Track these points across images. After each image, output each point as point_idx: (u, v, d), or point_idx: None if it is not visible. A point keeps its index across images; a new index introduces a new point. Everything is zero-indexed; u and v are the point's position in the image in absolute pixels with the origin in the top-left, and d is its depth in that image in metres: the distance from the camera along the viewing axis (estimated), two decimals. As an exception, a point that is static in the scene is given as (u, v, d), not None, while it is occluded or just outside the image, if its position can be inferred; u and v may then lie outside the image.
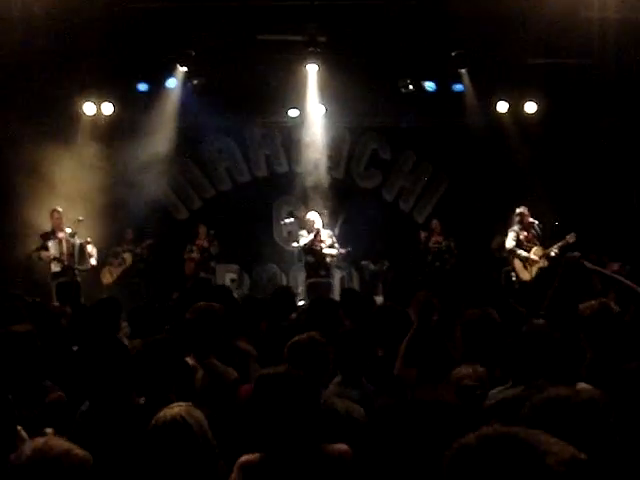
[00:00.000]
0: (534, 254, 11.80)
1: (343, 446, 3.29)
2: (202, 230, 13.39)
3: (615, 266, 9.69)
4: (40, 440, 2.51)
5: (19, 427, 3.48)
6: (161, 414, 2.91)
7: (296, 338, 4.19)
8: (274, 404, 3.25)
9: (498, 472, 1.49)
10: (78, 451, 2.47)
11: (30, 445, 2.50)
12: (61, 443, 2.48)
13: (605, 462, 2.06)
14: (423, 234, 13.62)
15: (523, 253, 11.82)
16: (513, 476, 1.48)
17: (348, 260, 13.89)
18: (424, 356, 4.22)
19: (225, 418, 3.96)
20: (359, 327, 4.96)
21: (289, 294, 7.15)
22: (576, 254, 10.97)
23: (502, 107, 13.79)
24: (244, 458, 3.17)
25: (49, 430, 3.97)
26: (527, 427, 1.59)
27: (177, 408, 2.94)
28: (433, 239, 13.38)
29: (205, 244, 13.29)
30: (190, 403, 3.05)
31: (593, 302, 4.66)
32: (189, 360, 4.71)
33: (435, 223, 13.57)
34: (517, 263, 11.96)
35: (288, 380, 3.33)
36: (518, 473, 1.48)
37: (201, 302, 5.09)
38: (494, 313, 4.86)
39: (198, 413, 2.96)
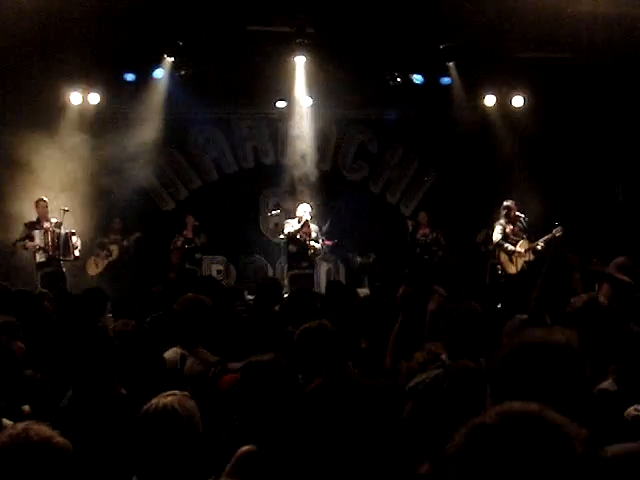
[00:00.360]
0: (520, 247, 11.83)
1: None
2: (189, 220, 13.37)
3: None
4: (20, 426, 2.49)
5: (4, 419, 3.47)
6: (153, 402, 2.88)
7: (306, 325, 4.21)
8: (261, 391, 3.27)
9: (524, 455, 1.38)
10: (59, 439, 2.45)
11: (9, 430, 2.48)
12: (42, 429, 2.46)
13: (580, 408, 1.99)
14: (410, 223, 13.62)
15: (509, 247, 11.87)
16: (542, 461, 1.38)
17: (335, 252, 13.92)
18: (410, 350, 4.22)
19: (213, 407, 3.97)
20: (341, 318, 4.96)
21: (276, 286, 7.16)
22: (560, 231, 11.04)
23: (490, 101, 13.83)
24: (244, 449, 3.16)
25: (26, 407, 3.96)
26: (498, 377, 1.51)
27: (170, 397, 2.91)
28: (420, 231, 13.39)
29: (191, 235, 13.27)
30: (185, 393, 3.03)
31: (583, 295, 4.67)
32: (177, 350, 4.73)
33: (422, 215, 13.57)
34: (503, 257, 12.02)
35: (275, 368, 3.35)
36: (547, 458, 1.38)
37: (189, 293, 5.15)
38: (475, 305, 4.87)
39: (191, 403, 2.93)
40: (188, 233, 13.31)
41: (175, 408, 2.85)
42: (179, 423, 2.84)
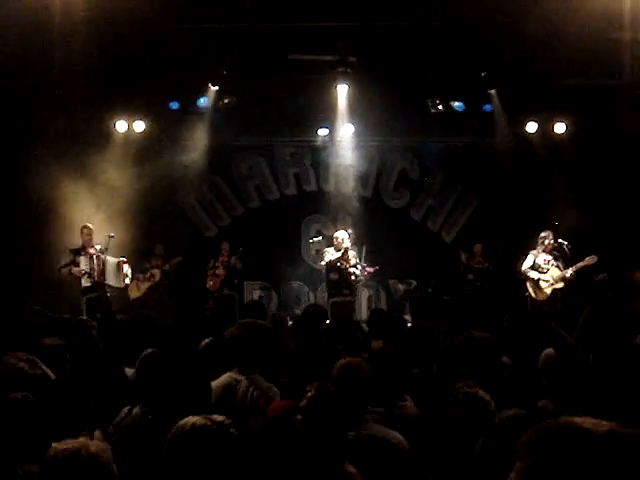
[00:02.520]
0: (548, 276, 12.00)
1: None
2: (225, 247, 13.47)
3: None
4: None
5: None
6: (182, 422, 2.88)
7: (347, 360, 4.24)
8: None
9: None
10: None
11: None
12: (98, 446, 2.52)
13: None
14: (464, 256, 13.61)
15: (534, 275, 12.07)
16: None
17: (376, 279, 13.93)
18: None
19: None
20: (390, 348, 4.98)
21: (321, 313, 7.20)
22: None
23: (531, 127, 13.76)
24: None
25: (97, 433, 4.01)
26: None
27: (196, 418, 2.91)
28: (476, 260, 13.39)
29: (229, 260, 13.34)
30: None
31: None
32: (233, 374, 4.75)
33: (477, 247, 13.52)
34: (529, 284, 12.20)
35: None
36: None
37: (248, 318, 5.17)
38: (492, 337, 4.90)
39: (219, 422, 2.93)
40: (225, 259, 13.40)
41: (208, 424, 2.85)
42: (208, 442, 2.84)
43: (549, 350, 4.60)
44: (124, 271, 11.94)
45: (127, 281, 12.09)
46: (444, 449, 3.50)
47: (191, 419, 2.86)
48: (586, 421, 1.52)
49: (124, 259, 11.96)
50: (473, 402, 3.71)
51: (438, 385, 4.67)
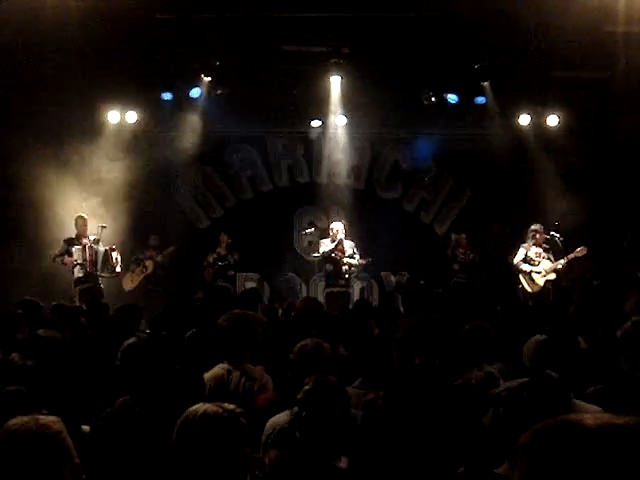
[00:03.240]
0: (540, 268, 12.16)
1: None
2: (223, 238, 13.44)
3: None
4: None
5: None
6: (191, 410, 2.87)
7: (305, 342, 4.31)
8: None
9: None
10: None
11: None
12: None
13: None
14: (454, 238, 13.52)
15: (526, 267, 12.23)
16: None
17: (368, 271, 13.95)
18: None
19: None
20: (383, 335, 5.04)
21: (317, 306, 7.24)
22: (583, 250, 11.19)
23: (524, 120, 13.79)
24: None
25: (86, 428, 4.02)
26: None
27: (206, 405, 2.91)
28: (460, 249, 13.35)
29: (224, 252, 13.35)
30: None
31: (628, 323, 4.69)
32: (224, 365, 4.77)
33: (462, 237, 13.46)
34: (522, 277, 12.36)
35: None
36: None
37: (237, 310, 5.18)
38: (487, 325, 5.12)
39: (229, 409, 2.92)
40: (221, 250, 13.38)
41: (216, 413, 2.85)
42: (221, 427, 2.83)
43: (538, 337, 4.65)
44: (113, 259, 11.91)
45: (118, 269, 12.05)
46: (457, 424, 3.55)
47: (202, 406, 2.85)
48: (580, 416, 1.53)
49: (112, 246, 11.94)
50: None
51: (441, 375, 4.73)
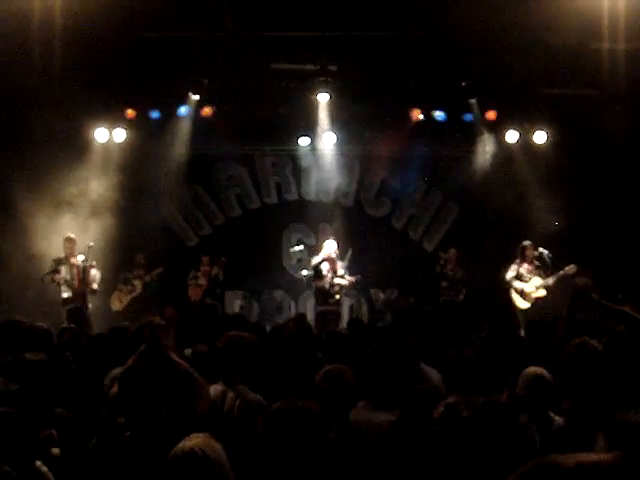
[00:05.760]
0: (532, 285, 12.28)
1: None
2: (205, 260, 13.38)
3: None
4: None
5: (38, 462, 3.49)
6: (179, 446, 2.87)
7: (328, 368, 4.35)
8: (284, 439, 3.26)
9: None
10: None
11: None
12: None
13: None
14: (443, 256, 13.50)
15: (517, 284, 12.36)
16: None
17: (357, 288, 13.91)
18: None
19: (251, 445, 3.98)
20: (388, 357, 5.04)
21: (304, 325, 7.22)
22: (573, 269, 11.26)
23: (512, 137, 13.82)
24: None
25: (55, 450, 3.97)
26: None
27: (195, 439, 2.89)
28: (449, 266, 13.33)
29: (211, 271, 13.27)
30: (207, 434, 3.01)
31: (577, 340, 4.73)
32: (219, 386, 4.76)
33: (452, 252, 13.41)
34: (513, 293, 12.46)
35: (299, 415, 3.35)
36: None
37: (232, 331, 5.18)
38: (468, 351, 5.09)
39: (217, 445, 2.92)
40: (207, 269, 13.31)
41: (203, 450, 2.83)
42: (208, 466, 2.82)
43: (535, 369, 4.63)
44: (92, 275, 11.81)
45: (94, 286, 11.91)
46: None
47: (187, 443, 2.85)
48: (559, 458, 1.62)
49: (92, 263, 11.81)
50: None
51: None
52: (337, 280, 12.23)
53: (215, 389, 4.77)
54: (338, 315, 12.37)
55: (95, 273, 11.88)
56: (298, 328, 6.88)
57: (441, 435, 2.68)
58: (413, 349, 5.28)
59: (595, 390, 3.95)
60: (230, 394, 4.73)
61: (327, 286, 12.20)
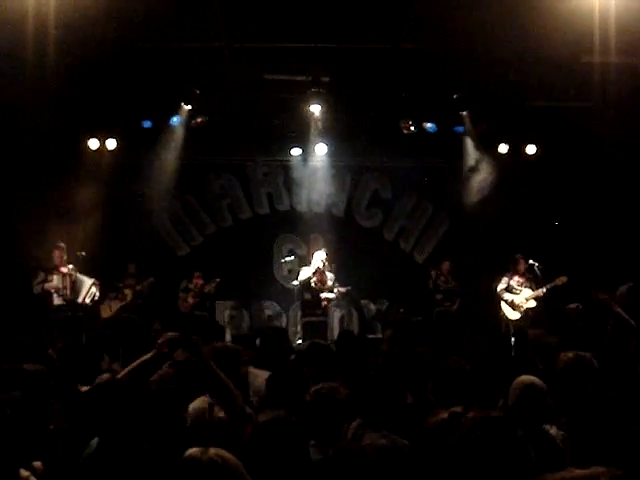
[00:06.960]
0: (522, 296, 12.41)
1: None
2: (197, 274, 13.36)
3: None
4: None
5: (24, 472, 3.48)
6: (193, 454, 2.67)
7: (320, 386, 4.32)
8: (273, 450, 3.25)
9: None
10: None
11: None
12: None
13: None
14: (434, 273, 13.53)
15: (507, 296, 12.49)
16: None
17: (347, 299, 13.91)
18: None
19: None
20: (383, 373, 5.02)
21: (281, 336, 7.13)
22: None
23: (503, 149, 13.87)
24: None
25: (37, 464, 3.92)
26: None
27: (212, 450, 2.75)
28: (442, 278, 13.37)
29: (203, 287, 13.22)
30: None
31: (569, 354, 4.74)
32: (206, 398, 4.73)
33: (446, 264, 13.48)
34: (504, 305, 12.57)
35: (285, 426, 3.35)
36: None
37: (219, 343, 5.17)
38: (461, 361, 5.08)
39: (232, 456, 2.82)
40: (198, 281, 13.27)
41: (223, 458, 2.72)
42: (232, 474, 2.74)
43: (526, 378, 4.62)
44: (90, 292, 11.79)
45: (87, 300, 11.88)
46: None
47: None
48: (552, 477, 1.62)
49: (97, 282, 11.85)
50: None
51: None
52: (325, 293, 12.25)
53: (202, 400, 4.75)
54: (325, 325, 12.37)
55: (95, 290, 11.87)
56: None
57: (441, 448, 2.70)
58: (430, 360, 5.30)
59: (593, 403, 3.95)
60: (217, 407, 4.70)
61: (314, 297, 12.21)
